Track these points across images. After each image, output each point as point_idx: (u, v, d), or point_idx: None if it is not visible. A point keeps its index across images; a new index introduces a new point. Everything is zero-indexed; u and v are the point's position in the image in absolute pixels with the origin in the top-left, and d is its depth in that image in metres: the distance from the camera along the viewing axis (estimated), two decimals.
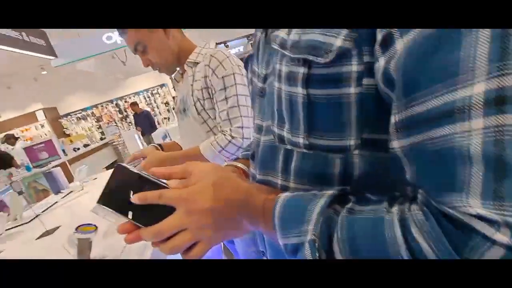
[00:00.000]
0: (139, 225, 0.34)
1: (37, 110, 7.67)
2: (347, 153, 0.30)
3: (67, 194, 1.81)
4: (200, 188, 0.33)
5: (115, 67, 6.64)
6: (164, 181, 0.37)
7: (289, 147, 0.34)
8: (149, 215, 0.34)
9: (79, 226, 0.74)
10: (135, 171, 0.37)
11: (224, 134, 0.91)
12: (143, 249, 0.76)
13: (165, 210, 0.34)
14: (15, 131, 7.09)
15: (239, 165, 0.53)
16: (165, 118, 8.23)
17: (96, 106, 8.23)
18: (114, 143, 7.25)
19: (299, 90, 0.29)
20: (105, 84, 7.92)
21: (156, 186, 0.36)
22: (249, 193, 0.33)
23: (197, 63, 0.99)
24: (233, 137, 0.90)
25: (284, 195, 0.31)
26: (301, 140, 0.32)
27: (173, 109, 8.11)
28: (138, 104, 6.84)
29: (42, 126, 7.78)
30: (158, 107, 8.35)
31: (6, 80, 7.11)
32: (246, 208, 0.33)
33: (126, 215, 0.34)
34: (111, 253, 0.78)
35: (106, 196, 0.36)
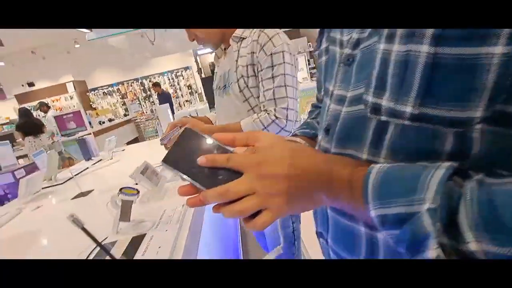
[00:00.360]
0: (202, 187, 0.33)
1: (68, 82, 7.97)
2: (467, 127, 0.25)
3: (97, 161, 1.87)
4: (274, 154, 0.32)
5: (143, 46, 6.75)
6: (231, 148, 0.35)
7: (385, 118, 0.29)
8: (214, 178, 0.33)
9: (122, 188, 0.75)
10: (204, 134, 0.36)
11: (268, 114, 0.89)
12: (182, 216, 0.77)
13: (232, 176, 0.32)
14: (47, 100, 7.41)
15: (298, 140, 0.50)
16: (187, 101, 8.32)
17: (122, 83, 8.43)
18: (136, 120, 7.44)
19: (423, 49, 0.24)
20: (132, 62, 8.08)
21: (223, 150, 0.35)
22: (331, 164, 0.31)
23: (244, 38, 0.97)
24: (277, 117, 0.88)
25: (378, 166, 0.27)
26: (408, 109, 0.26)
27: (196, 92, 8.18)
28: (160, 85, 7.00)
29: (71, 97, 8.09)
30: (180, 89, 8.44)
31: (42, 51, 7.42)
32: (327, 179, 0.30)
33: (190, 176, 0.33)
34: (149, 218, 0.79)
35: (171, 156, 0.35)
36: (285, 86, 0.89)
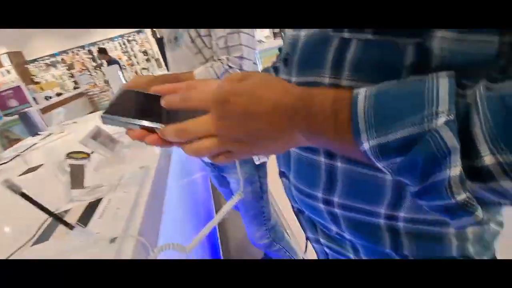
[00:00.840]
0: (157, 126, 0.30)
1: (1, 54, 6.88)
2: (426, 37, 0.24)
3: (47, 136, 1.70)
4: (238, 88, 0.26)
5: None
6: None
7: (348, 35, 0.28)
8: (172, 116, 0.30)
9: (69, 153, 0.69)
10: (141, 90, 0.33)
11: (222, 63, 0.84)
12: (141, 181, 0.73)
13: (190, 117, 0.29)
14: None
15: None
16: (144, 69, 7.71)
17: (65, 52, 7.49)
18: (89, 93, 6.81)
19: None
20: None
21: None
22: (307, 96, 0.26)
23: None
24: (230, 67, 0.83)
25: (363, 90, 0.23)
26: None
27: (153, 58, 7.59)
28: (106, 51, 6.26)
29: (8, 72, 7.05)
30: (135, 56, 7.75)
31: None
32: (304, 113, 0.25)
33: (141, 119, 0.30)
34: (106, 183, 0.74)
35: (113, 107, 0.31)
36: (238, 32, 0.83)
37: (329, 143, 0.26)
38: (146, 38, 7.61)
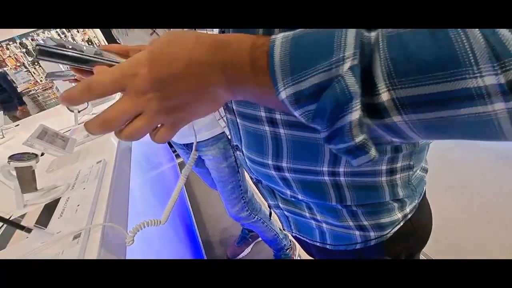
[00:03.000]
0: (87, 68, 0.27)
1: None
2: None
3: None
4: (142, 57, 0.24)
5: None
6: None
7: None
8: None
9: (12, 155, 0.63)
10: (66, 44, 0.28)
11: None
12: (100, 175, 0.70)
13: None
14: None
15: None
16: None
17: None
18: (30, 93, 6.11)
19: None
20: None
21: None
22: (221, 45, 0.23)
23: None
24: None
25: (280, 36, 0.22)
26: None
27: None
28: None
29: None
30: None
31: None
32: (220, 66, 0.23)
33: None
34: (62, 182, 0.70)
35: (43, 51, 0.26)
36: None
37: (252, 95, 0.25)
38: None
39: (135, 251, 0.57)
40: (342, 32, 0.19)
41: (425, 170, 0.45)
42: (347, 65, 0.18)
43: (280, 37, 0.21)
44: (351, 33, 0.19)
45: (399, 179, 0.39)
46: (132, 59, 0.24)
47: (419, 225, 0.45)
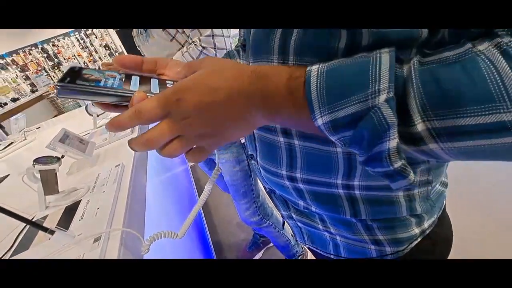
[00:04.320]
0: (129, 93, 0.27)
1: None
2: None
3: (8, 145, 1.59)
4: (187, 84, 0.26)
5: None
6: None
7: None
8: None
9: (36, 158, 0.66)
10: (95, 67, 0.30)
11: (196, 45, 0.83)
12: (119, 179, 0.72)
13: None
14: None
15: None
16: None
17: (16, 52, 6.84)
18: (49, 96, 6.35)
19: None
20: None
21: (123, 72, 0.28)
22: (260, 77, 0.26)
23: None
24: (203, 47, 0.82)
25: (315, 67, 0.24)
26: None
27: (116, 52, 7.17)
28: None
29: None
30: (96, 52, 7.27)
31: None
32: (260, 96, 0.25)
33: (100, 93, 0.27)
34: (82, 185, 0.72)
35: (69, 75, 0.26)
36: None
37: (288, 122, 0.27)
38: (105, 31, 7.12)
39: (150, 253, 0.58)
40: (375, 65, 0.21)
41: (445, 185, 0.44)
42: (382, 97, 0.20)
43: (315, 69, 0.24)
44: (384, 66, 0.21)
45: (417, 194, 0.37)
46: (177, 86, 0.26)
47: (439, 241, 0.43)
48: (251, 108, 0.26)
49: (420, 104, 0.20)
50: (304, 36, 0.29)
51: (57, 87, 0.26)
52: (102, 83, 0.27)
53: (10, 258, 0.54)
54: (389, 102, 0.20)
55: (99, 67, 7.13)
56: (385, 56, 0.21)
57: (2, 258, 0.55)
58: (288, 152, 0.37)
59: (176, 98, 0.25)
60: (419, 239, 0.41)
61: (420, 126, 0.20)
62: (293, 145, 0.36)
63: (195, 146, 0.28)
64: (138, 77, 0.29)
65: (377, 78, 0.21)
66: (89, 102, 1.26)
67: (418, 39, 0.24)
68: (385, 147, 0.21)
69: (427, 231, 0.41)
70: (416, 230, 0.40)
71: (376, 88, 0.20)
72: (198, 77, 0.26)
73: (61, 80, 0.25)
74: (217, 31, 0.83)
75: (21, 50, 6.85)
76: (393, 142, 0.20)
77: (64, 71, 0.27)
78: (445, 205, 0.45)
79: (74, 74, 0.26)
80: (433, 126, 0.20)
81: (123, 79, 0.28)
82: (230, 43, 0.89)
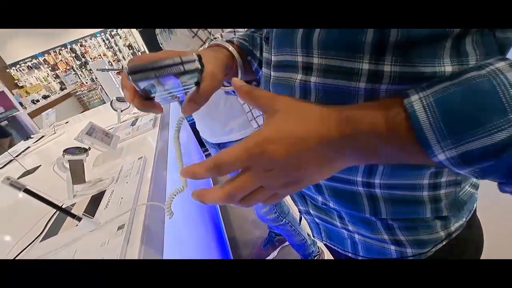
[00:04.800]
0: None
1: None
2: None
3: (39, 138, 1.69)
4: (271, 134, 0.24)
5: None
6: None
7: None
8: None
9: (66, 149, 0.70)
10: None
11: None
12: (141, 171, 0.74)
13: None
14: None
15: (231, 48, 0.43)
16: None
17: (47, 52, 7.25)
18: (77, 93, 6.67)
19: None
20: None
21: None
22: (350, 122, 0.24)
23: None
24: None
25: (415, 98, 0.21)
26: None
27: (139, 51, 7.41)
28: None
29: None
30: (120, 51, 7.55)
31: None
32: (353, 139, 0.24)
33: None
34: (107, 176, 0.75)
35: (135, 64, 0.24)
36: None
37: (389, 160, 0.25)
38: (129, 31, 7.38)
39: (170, 244, 0.60)
40: (501, 82, 0.19)
41: (476, 186, 0.41)
42: None
43: (417, 101, 0.21)
44: (510, 82, 0.19)
45: (443, 195, 0.35)
46: (257, 136, 0.25)
47: (467, 246, 0.41)
48: (341, 154, 0.25)
49: None
50: (328, 31, 0.28)
51: (129, 73, 0.24)
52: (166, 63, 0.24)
53: (40, 242, 0.58)
54: None
55: (122, 66, 7.41)
56: (510, 74, 0.19)
57: (32, 244, 0.59)
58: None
59: (259, 150, 0.24)
60: (444, 243, 0.39)
61: None
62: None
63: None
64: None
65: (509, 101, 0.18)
66: (114, 98, 1.31)
67: (450, 34, 0.23)
68: None
69: (454, 235, 0.39)
70: (442, 233, 0.38)
71: None
72: (280, 127, 0.25)
73: (132, 68, 0.24)
74: None
75: (52, 50, 7.26)
76: None
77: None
78: (475, 209, 0.42)
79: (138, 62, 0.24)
80: None
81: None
82: None
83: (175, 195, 0.34)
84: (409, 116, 0.21)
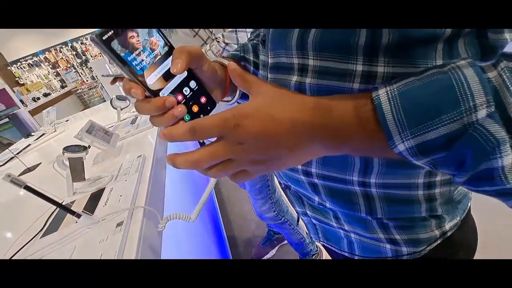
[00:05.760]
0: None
1: None
2: None
3: (40, 136, 1.69)
4: (248, 110, 0.26)
5: None
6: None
7: None
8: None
9: (66, 147, 0.70)
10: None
11: (218, 42, 0.84)
12: (140, 169, 0.75)
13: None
14: None
15: (226, 62, 0.44)
16: None
17: (48, 50, 7.26)
18: (77, 91, 6.68)
19: None
20: None
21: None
22: (324, 109, 0.25)
23: None
24: (226, 44, 0.83)
25: (383, 92, 0.22)
26: None
27: None
28: None
29: None
30: None
31: None
32: (324, 128, 0.25)
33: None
34: (106, 174, 0.76)
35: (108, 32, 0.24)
36: None
37: (357, 151, 0.26)
38: None
39: (167, 241, 0.60)
40: (459, 78, 0.20)
41: None
42: (482, 112, 0.19)
43: (383, 94, 0.22)
44: (472, 79, 0.19)
45: (438, 194, 0.36)
46: (236, 110, 0.26)
47: (461, 245, 0.41)
48: (312, 141, 0.26)
49: None
50: (322, 33, 0.29)
51: (92, 37, 0.24)
52: (131, 57, 0.25)
53: (41, 239, 0.59)
54: (493, 117, 0.19)
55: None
56: (467, 70, 0.20)
57: (33, 240, 0.60)
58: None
59: (235, 123, 0.25)
60: (438, 241, 0.39)
61: None
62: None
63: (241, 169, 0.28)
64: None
65: (468, 93, 0.19)
66: (114, 96, 1.32)
67: (442, 36, 0.24)
68: (496, 165, 0.19)
69: (448, 234, 0.39)
70: (436, 232, 0.39)
71: (471, 104, 0.19)
72: (259, 105, 0.26)
73: (101, 34, 0.24)
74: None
75: (52, 48, 7.26)
76: (507, 159, 0.19)
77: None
78: (470, 208, 0.43)
79: (118, 33, 0.25)
80: None
81: (161, 55, 0.27)
82: None
83: (177, 219, 0.34)
84: (376, 107, 0.22)
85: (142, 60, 0.26)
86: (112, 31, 0.24)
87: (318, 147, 0.26)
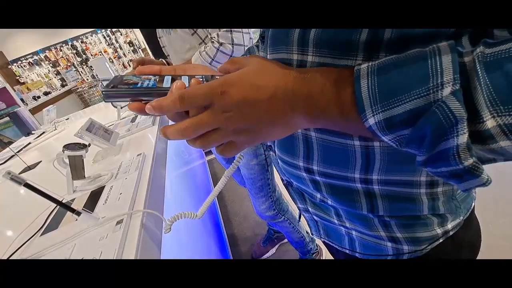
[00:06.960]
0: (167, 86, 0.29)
1: None
2: None
3: (40, 135, 1.70)
4: (234, 78, 0.26)
5: None
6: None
7: None
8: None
9: (66, 145, 0.70)
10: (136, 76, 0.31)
11: (213, 42, 0.83)
12: (140, 167, 0.75)
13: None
14: None
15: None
16: (131, 60, 7.52)
17: (48, 48, 7.25)
18: (78, 90, 6.68)
19: None
20: None
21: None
22: (306, 78, 0.26)
23: None
24: (221, 44, 0.83)
25: (364, 66, 0.23)
26: None
27: (139, 48, 7.39)
28: None
29: None
30: (121, 48, 7.54)
31: None
32: (304, 97, 0.25)
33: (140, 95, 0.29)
34: (106, 172, 0.76)
35: (112, 83, 0.29)
36: None
37: (333, 123, 0.26)
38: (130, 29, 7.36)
39: (167, 239, 0.60)
40: (434, 57, 0.20)
41: None
42: (447, 90, 0.19)
43: (364, 67, 0.23)
44: (445, 58, 0.19)
45: (440, 193, 0.36)
46: (222, 79, 0.26)
47: (464, 244, 0.41)
48: (294, 109, 0.26)
49: (488, 99, 0.18)
50: (324, 30, 0.29)
51: (103, 92, 0.28)
52: (139, 85, 0.29)
53: (41, 236, 0.59)
54: (456, 95, 0.19)
55: (122, 64, 7.38)
56: (444, 48, 0.20)
57: (33, 238, 0.60)
58: (305, 144, 0.37)
59: (221, 90, 0.25)
60: (440, 240, 0.39)
61: (490, 123, 0.19)
62: (310, 136, 0.36)
63: (228, 140, 0.28)
64: (170, 77, 0.31)
65: (438, 70, 0.19)
66: None
67: (445, 33, 0.24)
68: (452, 143, 0.19)
69: (450, 233, 0.39)
70: (438, 231, 0.38)
71: (439, 81, 0.19)
72: (244, 74, 0.27)
73: (107, 86, 0.28)
74: None
75: (53, 47, 7.25)
76: (462, 137, 0.19)
77: (109, 80, 0.30)
78: (473, 208, 0.42)
79: (117, 81, 0.29)
80: (505, 122, 0.18)
81: (157, 80, 0.30)
82: (250, 38, 0.89)
83: (183, 218, 0.34)
84: (354, 80, 0.23)
85: (148, 84, 0.30)
86: (112, 83, 0.29)
87: (299, 117, 0.26)
